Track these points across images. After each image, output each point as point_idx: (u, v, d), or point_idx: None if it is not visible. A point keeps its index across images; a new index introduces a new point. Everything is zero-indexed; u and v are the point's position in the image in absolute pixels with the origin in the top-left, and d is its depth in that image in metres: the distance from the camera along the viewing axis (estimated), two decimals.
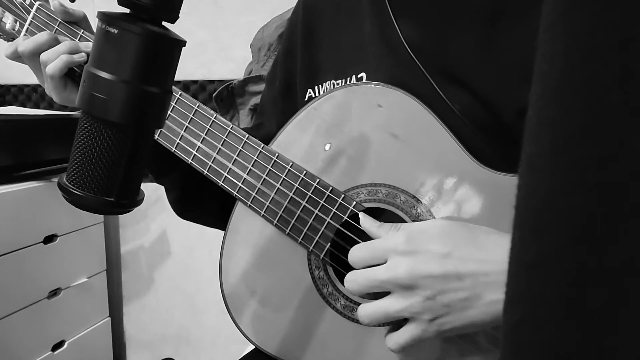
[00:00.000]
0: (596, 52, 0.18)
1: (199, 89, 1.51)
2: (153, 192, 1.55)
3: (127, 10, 0.38)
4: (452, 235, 0.51)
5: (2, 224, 1.19)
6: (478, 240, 0.50)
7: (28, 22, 0.71)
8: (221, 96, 1.08)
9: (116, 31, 0.37)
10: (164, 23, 0.39)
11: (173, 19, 0.39)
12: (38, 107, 1.67)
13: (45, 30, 0.70)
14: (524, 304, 0.20)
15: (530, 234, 0.20)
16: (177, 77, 0.49)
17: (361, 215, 0.57)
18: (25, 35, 0.71)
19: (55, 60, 0.65)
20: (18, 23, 0.71)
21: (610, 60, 0.18)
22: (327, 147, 0.61)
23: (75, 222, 1.40)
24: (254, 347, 0.66)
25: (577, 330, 0.18)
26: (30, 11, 0.70)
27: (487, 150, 0.56)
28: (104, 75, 0.38)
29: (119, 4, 0.38)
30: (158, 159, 0.72)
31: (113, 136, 0.39)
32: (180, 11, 0.40)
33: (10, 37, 0.73)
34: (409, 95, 0.57)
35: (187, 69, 1.49)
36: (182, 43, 0.40)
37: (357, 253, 0.54)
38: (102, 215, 1.47)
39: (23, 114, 1.35)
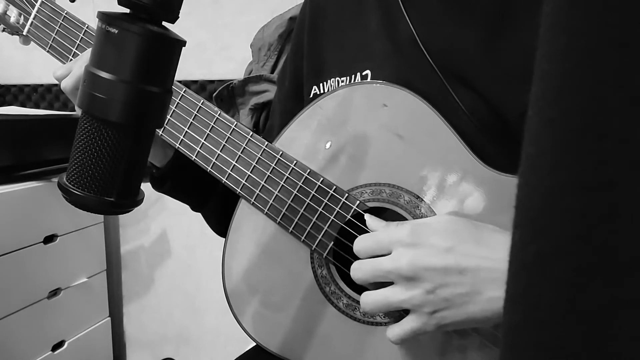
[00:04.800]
0: (596, 52, 0.18)
1: (199, 89, 1.51)
2: (153, 192, 1.55)
3: (127, 10, 0.38)
4: (456, 231, 0.51)
5: (2, 224, 1.19)
6: (482, 237, 0.51)
7: (32, 16, 0.71)
8: (221, 96, 1.08)
9: (116, 31, 0.37)
10: (164, 23, 0.39)
11: (173, 19, 0.39)
12: (38, 107, 1.67)
13: (49, 24, 0.70)
14: (524, 304, 0.20)
15: (530, 234, 0.20)
16: (177, 77, 0.49)
17: (367, 216, 0.57)
18: (29, 28, 0.71)
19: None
20: (22, 17, 0.71)
21: (610, 60, 0.18)
22: (328, 145, 0.61)
23: (75, 222, 1.40)
24: (255, 344, 0.67)
25: (577, 330, 0.18)
26: (35, 5, 0.70)
27: (491, 151, 0.56)
28: (104, 75, 0.38)
29: (119, 4, 0.38)
30: (193, 192, 0.74)
31: (113, 136, 0.39)
32: (180, 11, 0.40)
33: (15, 30, 0.73)
34: (414, 94, 0.57)
35: (187, 69, 1.49)
36: (182, 43, 0.40)
37: (362, 243, 0.55)
38: (102, 215, 1.47)
39: (23, 114, 1.35)
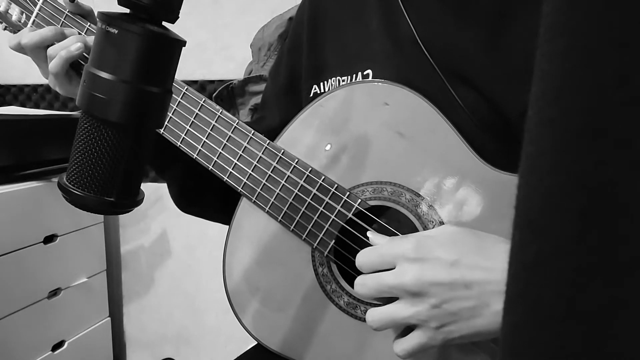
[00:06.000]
0: (596, 52, 0.18)
1: (199, 89, 1.51)
2: (153, 192, 1.55)
3: (127, 10, 0.38)
4: (461, 243, 0.51)
5: (2, 224, 1.19)
6: (486, 249, 0.50)
7: (34, 14, 0.71)
8: (221, 96, 1.08)
9: (116, 31, 0.37)
10: (164, 23, 0.39)
11: (173, 19, 0.39)
12: (38, 107, 1.67)
13: (51, 22, 0.70)
14: (524, 305, 0.20)
15: (530, 234, 0.20)
16: (177, 77, 0.49)
17: (370, 233, 0.57)
18: (31, 27, 0.71)
19: (54, 57, 0.65)
20: (24, 15, 0.71)
21: (610, 60, 0.18)
22: (328, 147, 0.61)
23: (75, 222, 1.40)
24: (256, 343, 0.67)
25: (577, 331, 0.18)
26: (37, 3, 0.70)
27: (492, 150, 0.56)
28: (104, 75, 0.38)
29: (119, 4, 0.38)
30: (158, 153, 0.72)
31: (113, 136, 0.39)
32: (180, 11, 0.40)
33: (17, 29, 0.73)
34: (415, 93, 0.57)
35: (187, 69, 1.49)
36: (182, 43, 0.40)
37: (364, 258, 0.54)
38: (102, 215, 1.47)
39: (23, 114, 1.35)
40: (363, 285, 0.53)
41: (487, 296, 0.48)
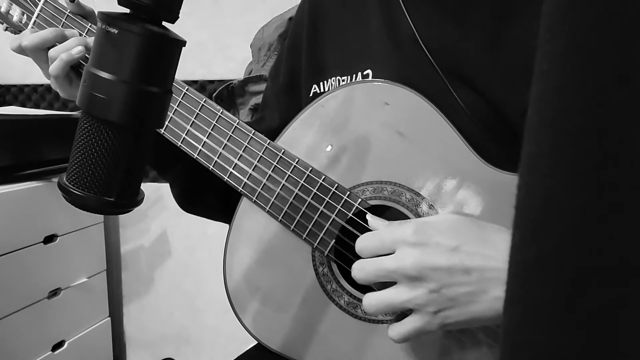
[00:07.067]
0: (596, 52, 0.18)
1: (199, 89, 1.51)
2: (153, 192, 1.55)
3: (127, 10, 0.38)
4: (461, 230, 0.51)
5: (2, 224, 1.19)
6: (486, 237, 0.50)
7: (35, 14, 0.71)
8: (221, 96, 1.08)
9: (116, 31, 0.37)
10: (164, 23, 0.39)
11: (173, 19, 0.39)
12: (38, 107, 1.67)
13: (52, 23, 0.70)
14: (524, 304, 0.20)
15: (530, 234, 0.20)
16: (177, 77, 0.49)
17: (369, 216, 0.56)
18: (32, 28, 0.71)
19: (55, 60, 0.65)
20: (25, 16, 0.72)
21: (610, 60, 0.18)
22: (329, 148, 0.61)
23: (75, 222, 1.40)
24: (256, 343, 0.67)
25: (577, 330, 0.18)
26: (38, 4, 0.70)
27: (492, 149, 0.56)
28: (104, 75, 0.38)
29: (119, 4, 0.38)
30: (160, 154, 0.72)
31: (113, 136, 0.39)
32: (180, 11, 0.40)
33: (18, 29, 0.73)
34: (415, 92, 0.57)
35: (187, 69, 1.49)
36: (182, 43, 0.40)
37: (365, 242, 0.53)
38: (102, 215, 1.47)
39: (23, 114, 1.35)
40: (362, 269, 0.53)
41: (486, 283, 0.48)
